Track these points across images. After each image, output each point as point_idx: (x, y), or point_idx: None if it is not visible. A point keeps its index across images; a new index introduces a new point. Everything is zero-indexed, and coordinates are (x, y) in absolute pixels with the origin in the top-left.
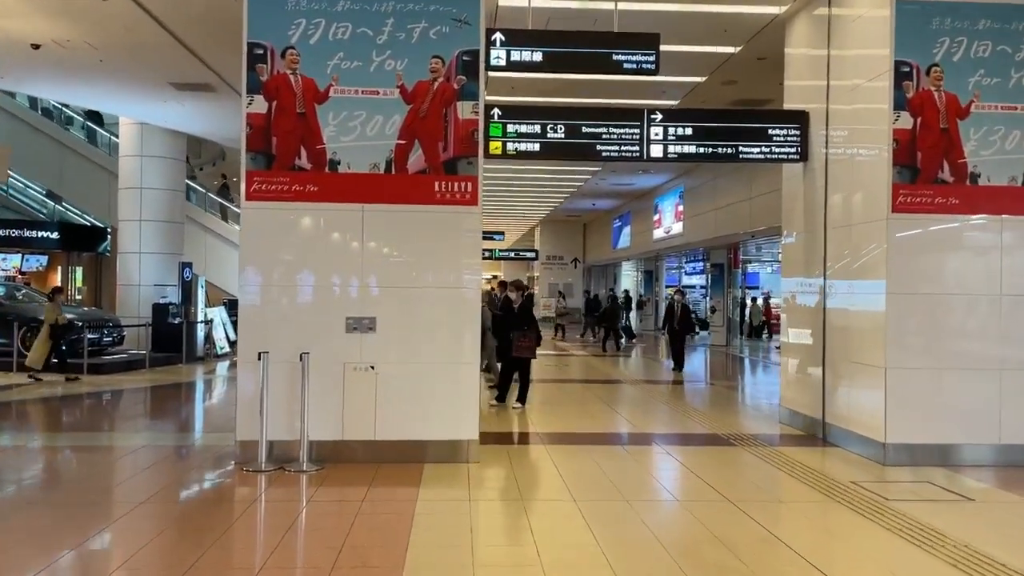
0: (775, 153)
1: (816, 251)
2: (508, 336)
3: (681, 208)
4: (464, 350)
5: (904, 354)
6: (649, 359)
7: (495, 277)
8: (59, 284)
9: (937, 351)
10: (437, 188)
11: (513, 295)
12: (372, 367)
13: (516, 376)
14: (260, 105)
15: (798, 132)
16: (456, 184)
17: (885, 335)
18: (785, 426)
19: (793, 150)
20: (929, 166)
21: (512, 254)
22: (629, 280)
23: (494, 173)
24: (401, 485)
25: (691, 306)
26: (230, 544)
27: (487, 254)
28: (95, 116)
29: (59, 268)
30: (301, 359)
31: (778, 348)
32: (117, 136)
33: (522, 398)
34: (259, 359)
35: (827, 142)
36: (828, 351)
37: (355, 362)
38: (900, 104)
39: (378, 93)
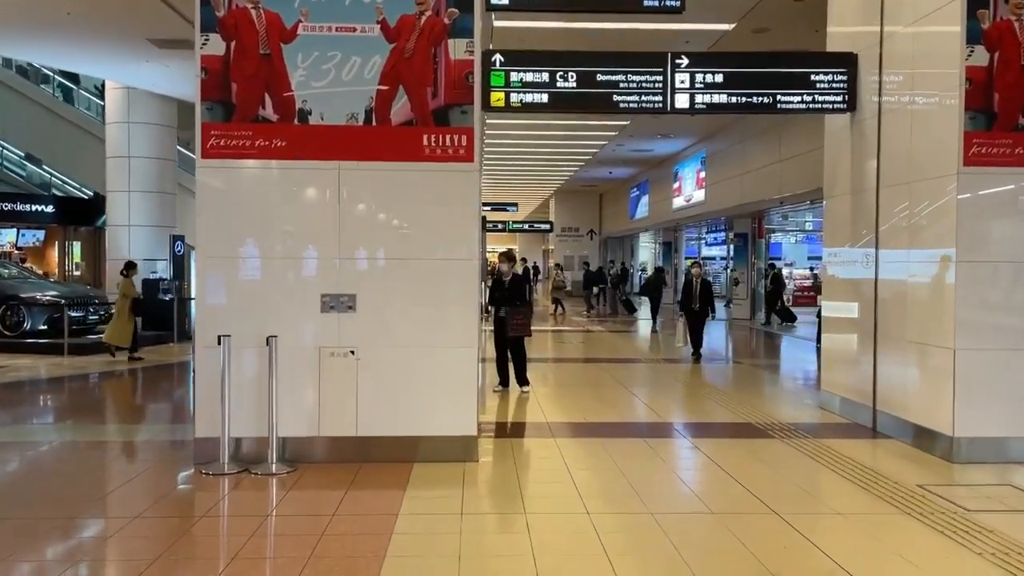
0: (818, 102)
1: (866, 214)
2: (497, 313)
3: (703, 175)
4: (460, 332)
5: (976, 333)
6: (667, 335)
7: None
8: (131, 260)
9: (1017, 330)
10: (426, 142)
11: (504, 267)
12: (352, 352)
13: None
14: (216, 46)
15: (845, 78)
16: (448, 137)
17: (954, 311)
18: (827, 412)
19: (839, 98)
20: (1008, 110)
21: (526, 226)
22: (647, 252)
23: (503, 139)
24: (384, 489)
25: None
26: None
27: (499, 226)
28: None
29: (56, 243)
30: (268, 343)
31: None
32: None
33: (523, 378)
34: (219, 343)
35: (880, 88)
36: (880, 329)
37: (332, 347)
38: (974, 37)
39: (355, 30)
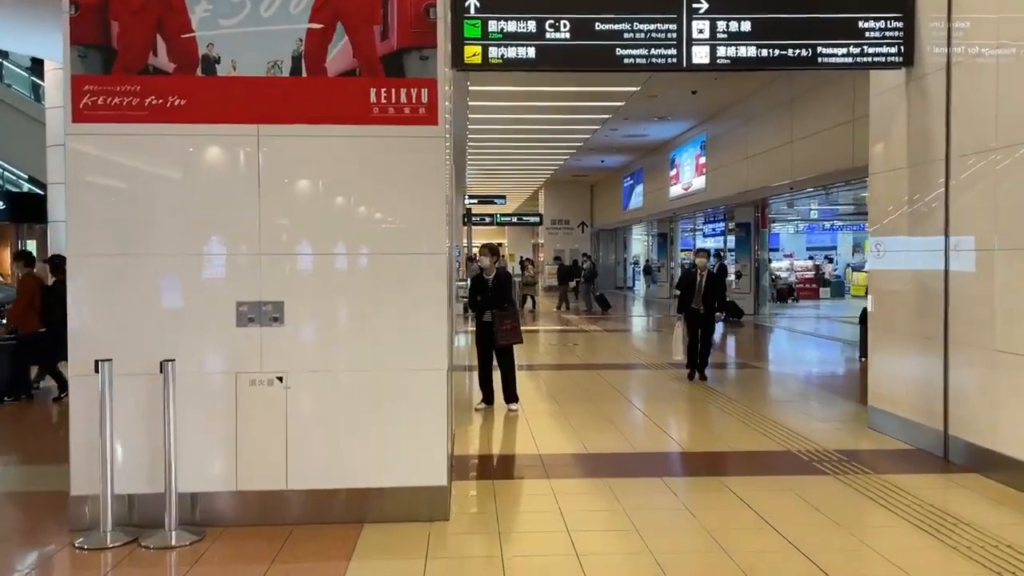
0: (868, 55)
1: (929, 193)
2: (481, 318)
3: (703, 160)
4: (425, 349)
5: None
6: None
7: (500, 245)
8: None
9: None
10: (374, 98)
11: (486, 262)
12: (280, 379)
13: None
14: None
15: (900, 25)
16: (404, 92)
17: None
18: (879, 435)
19: (894, 50)
20: None
21: (514, 219)
22: (640, 245)
23: (487, 124)
24: (321, 562)
25: (718, 272)
26: None
27: (486, 219)
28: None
29: (8, 242)
30: (163, 370)
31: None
32: None
33: (511, 394)
34: (97, 371)
35: (949, 37)
36: (953, 334)
37: (253, 372)
38: None
39: None
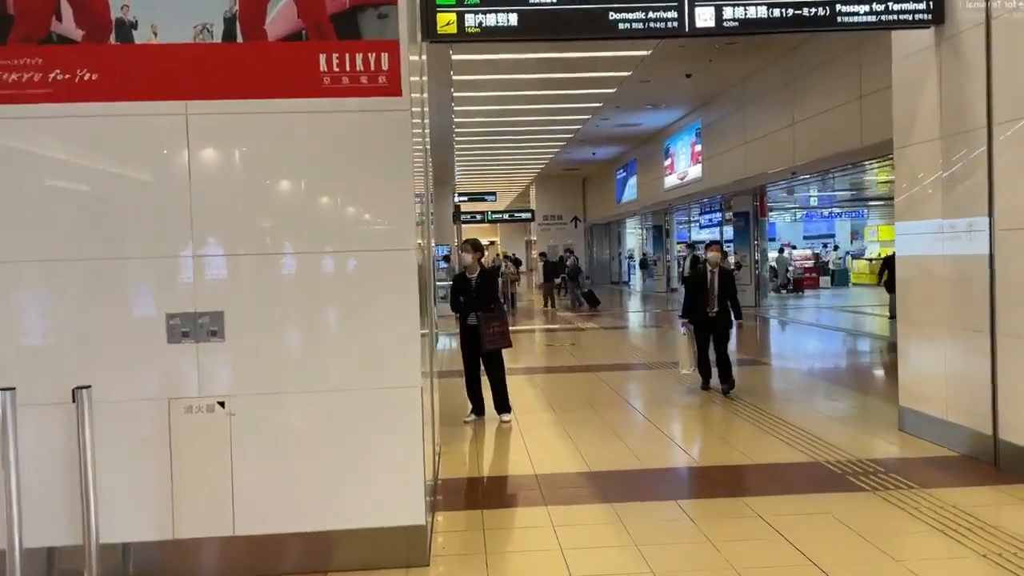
0: (893, 12)
1: (968, 166)
2: (464, 321)
3: (699, 148)
4: (396, 364)
5: None
6: (666, 330)
7: (493, 243)
8: None
9: None
10: (324, 65)
11: (468, 259)
12: (222, 405)
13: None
14: None
15: None
16: (360, 58)
17: None
18: (915, 439)
19: (922, 7)
20: None
21: (506, 216)
22: (634, 239)
23: (474, 117)
24: None
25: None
26: None
27: (477, 217)
28: None
29: None
30: (75, 398)
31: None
32: None
33: (503, 404)
34: None
35: None
36: (1001, 325)
37: (189, 397)
38: None
39: None
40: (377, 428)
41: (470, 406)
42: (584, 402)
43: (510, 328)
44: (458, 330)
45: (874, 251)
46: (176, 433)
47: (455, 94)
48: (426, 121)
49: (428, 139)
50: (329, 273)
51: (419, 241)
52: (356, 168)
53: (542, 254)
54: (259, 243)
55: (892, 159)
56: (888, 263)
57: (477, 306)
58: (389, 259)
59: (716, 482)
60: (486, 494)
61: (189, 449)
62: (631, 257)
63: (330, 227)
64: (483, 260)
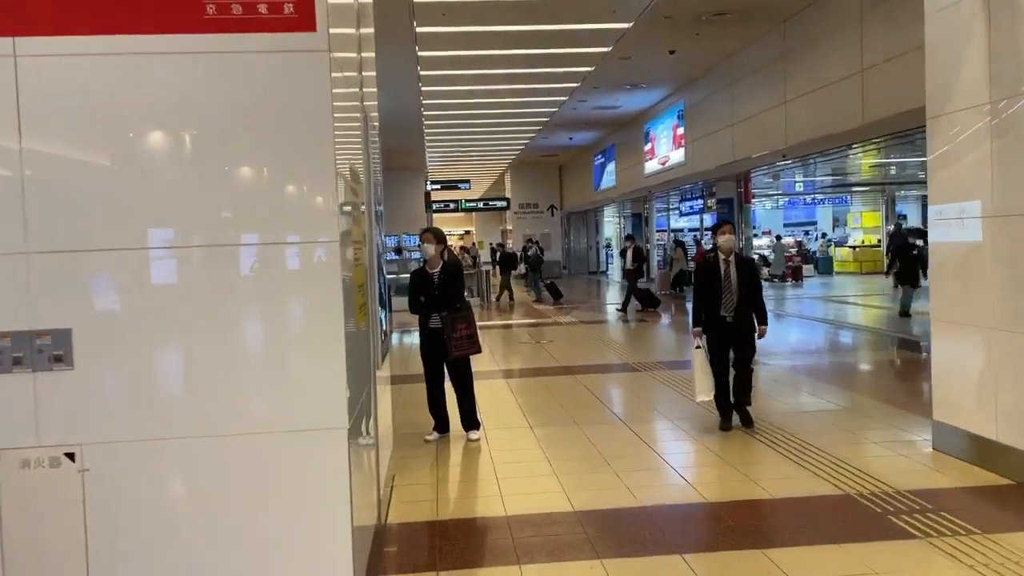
0: None
1: (1019, 135)
2: (427, 323)
3: (681, 131)
4: (312, 396)
5: None
6: (649, 325)
7: (468, 232)
8: None
9: None
10: None
11: (429, 251)
12: (71, 456)
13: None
14: None
15: None
16: None
17: None
18: (956, 461)
19: None
20: None
21: (480, 204)
22: (612, 227)
23: (446, 100)
24: None
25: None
26: None
27: (450, 205)
28: None
29: None
30: None
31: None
32: None
33: (471, 419)
34: None
35: None
36: None
37: (24, 447)
38: None
39: None
40: (285, 483)
41: (433, 422)
42: (564, 414)
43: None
44: (418, 330)
45: (857, 238)
46: (6, 495)
47: (422, 73)
48: (367, 80)
49: (372, 105)
50: (217, 273)
51: (353, 229)
52: (253, 130)
53: (500, 244)
54: (119, 234)
55: (897, 137)
56: (900, 253)
57: (441, 306)
58: (303, 256)
59: (729, 526)
60: (445, 547)
61: (25, 516)
62: (608, 246)
63: (218, 210)
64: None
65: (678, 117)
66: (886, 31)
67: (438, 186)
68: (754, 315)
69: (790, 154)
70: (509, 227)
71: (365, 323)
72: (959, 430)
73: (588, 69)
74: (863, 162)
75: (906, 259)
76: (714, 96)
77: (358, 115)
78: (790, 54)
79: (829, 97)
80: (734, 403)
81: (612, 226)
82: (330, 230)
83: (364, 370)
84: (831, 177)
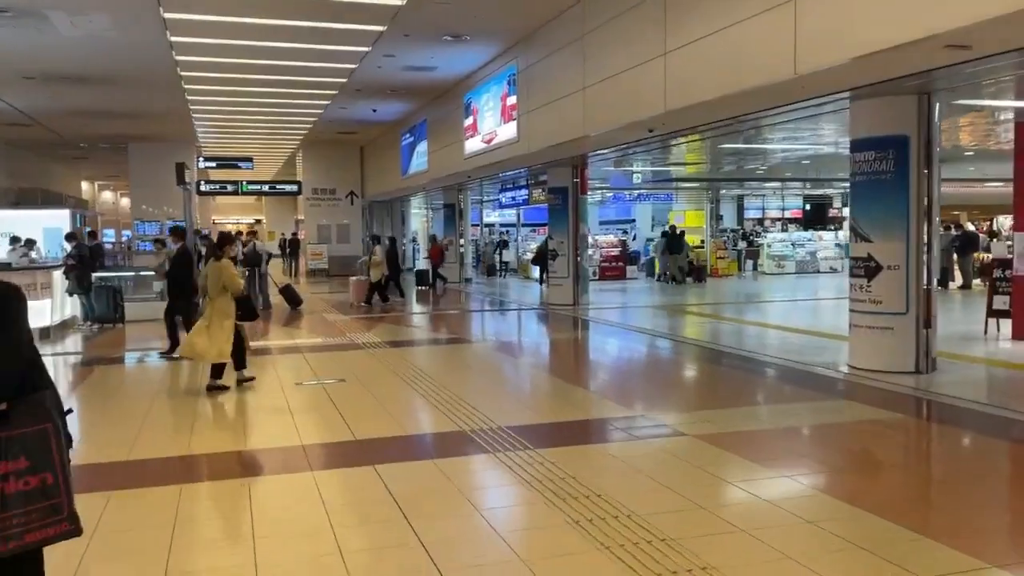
0: None
1: None
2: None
3: (513, 100)
4: None
5: None
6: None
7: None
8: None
9: None
10: None
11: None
12: None
13: None
14: None
15: None
16: None
17: None
18: None
19: None
20: None
21: (265, 187)
22: (419, 221)
23: (215, 58)
24: None
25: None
26: None
27: (228, 188)
28: None
29: None
30: None
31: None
32: None
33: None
34: None
35: None
36: None
37: None
38: None
39: None
40: None
41: None
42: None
43: None
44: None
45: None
46: None
47: (166, 15)
48: None
49: None
50: None
51: None
52: None
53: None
54: None
55: (844, 100)
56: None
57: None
58: None
59: None
60: None
61: None
62: (415, 240)
63: None
64: None
65: (509, 83)
66: None
67: (213, 164)
68: None
69: (671, 123)
70: (301, 216)
71: None
72: None
73: (397, 3)
74: (685, 158)
75: None
76: (561, 53)
77: None
78: None
79: (736, 43)
80: None
81: (419, 220)
82: None
83: None
84: (669, 168)
